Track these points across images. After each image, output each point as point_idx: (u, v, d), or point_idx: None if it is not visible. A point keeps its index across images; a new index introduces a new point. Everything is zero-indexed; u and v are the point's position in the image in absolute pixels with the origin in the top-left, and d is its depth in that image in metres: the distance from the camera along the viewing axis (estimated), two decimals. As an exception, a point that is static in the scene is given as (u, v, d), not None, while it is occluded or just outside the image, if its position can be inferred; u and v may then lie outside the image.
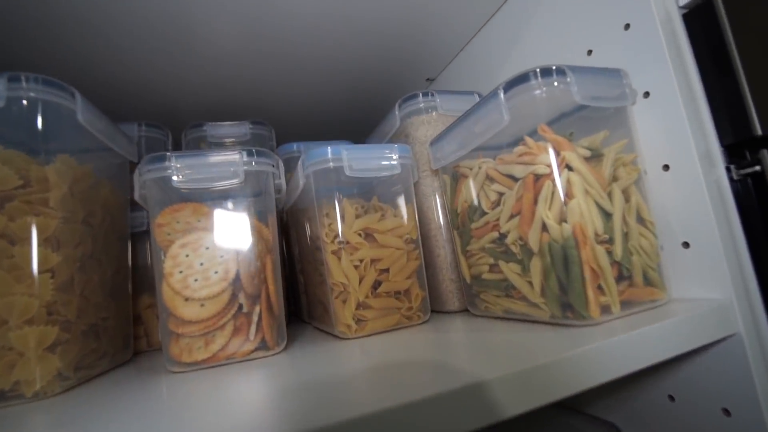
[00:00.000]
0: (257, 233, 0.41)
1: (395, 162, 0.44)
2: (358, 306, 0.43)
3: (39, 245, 0.36)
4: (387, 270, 0.45)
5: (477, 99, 0.53)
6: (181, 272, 0.37)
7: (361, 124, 0.85)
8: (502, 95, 0.34)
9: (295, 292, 0.64)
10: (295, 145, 0.64)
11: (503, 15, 0.56)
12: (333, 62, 0.60)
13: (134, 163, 0.54)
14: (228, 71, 0.58)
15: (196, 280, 0.37)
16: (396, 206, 0.47)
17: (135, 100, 0.62)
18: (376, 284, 0.44)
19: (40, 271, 0.36)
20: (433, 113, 0.52)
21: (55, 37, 0.48)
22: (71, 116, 0.40)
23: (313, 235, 0.47)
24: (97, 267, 0.43)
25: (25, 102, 0.37)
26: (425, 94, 0.52)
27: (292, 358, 0.38)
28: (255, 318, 0.39)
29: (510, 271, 0.38)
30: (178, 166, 0.39)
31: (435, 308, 0.52)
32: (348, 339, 0.43)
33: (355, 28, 0.54)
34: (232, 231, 0.39)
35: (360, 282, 0.43)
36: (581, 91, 0.33)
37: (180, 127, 0.65)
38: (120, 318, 0.47)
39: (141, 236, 0.58)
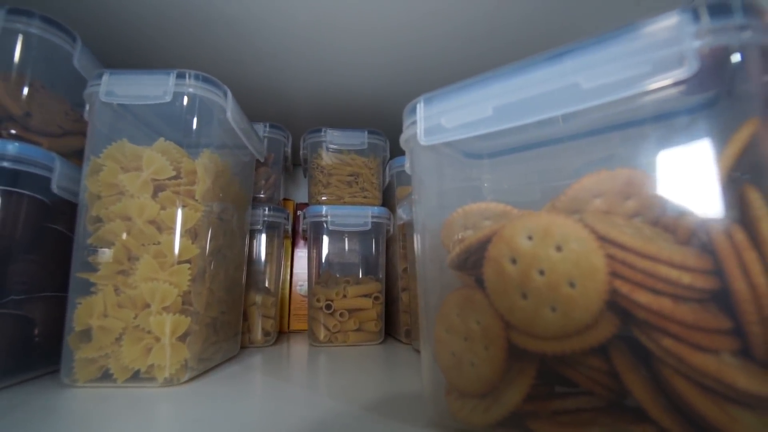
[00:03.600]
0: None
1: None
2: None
3: (182, 235, 0.37)
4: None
5: None
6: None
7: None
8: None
9: (390, 309, 0.62)
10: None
11: None
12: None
13: (260, 161, 0.55)
14: (351, 80, 0.59)
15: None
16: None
17: (260, 102, 0.64)
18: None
19: (179, 261, 0.37)
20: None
21: (204, 36, 0.51)
22: (221, 113, 0.42)
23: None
24: (223, 261, 0.44)
25: (186, 98, 0.39)
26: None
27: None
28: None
29: None
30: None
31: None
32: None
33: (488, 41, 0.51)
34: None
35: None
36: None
37: (296, 132, 0.67)
38: (235, 313, 0.48)
39: (252, 234, 0.59)
